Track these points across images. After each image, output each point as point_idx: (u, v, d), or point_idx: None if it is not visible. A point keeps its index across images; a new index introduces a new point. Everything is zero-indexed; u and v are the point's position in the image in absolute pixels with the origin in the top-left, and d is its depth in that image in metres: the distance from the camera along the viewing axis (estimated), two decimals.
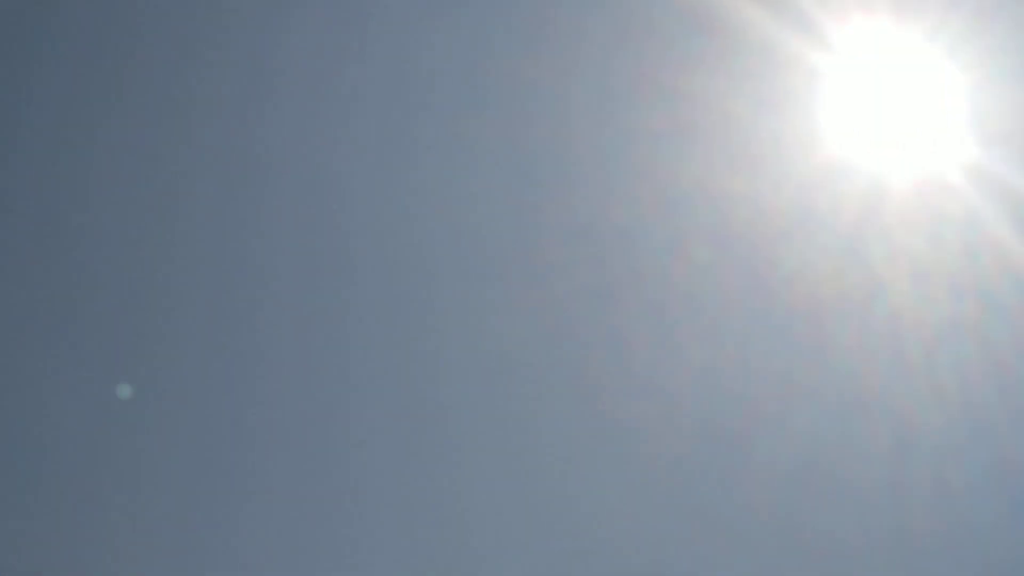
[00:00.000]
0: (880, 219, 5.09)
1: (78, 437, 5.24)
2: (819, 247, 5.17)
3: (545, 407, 5.38)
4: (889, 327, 5.09)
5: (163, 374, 5.29)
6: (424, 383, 5.24)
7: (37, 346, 5.29)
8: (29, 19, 5.43)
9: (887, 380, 5.07)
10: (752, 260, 5.23)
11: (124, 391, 5.26)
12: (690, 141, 5.30)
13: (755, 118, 5.23)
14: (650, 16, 5.35)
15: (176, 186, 5.42)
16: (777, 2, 5.15)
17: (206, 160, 5.42)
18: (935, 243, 5.04)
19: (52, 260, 5.36)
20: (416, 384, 5.23)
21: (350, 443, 5.22)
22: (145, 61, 5.46)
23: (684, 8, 5.29)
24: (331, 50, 5.44)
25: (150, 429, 5.24)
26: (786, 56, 5.18)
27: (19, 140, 5.41)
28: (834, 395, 5.11)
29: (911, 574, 4.91)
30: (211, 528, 5.17)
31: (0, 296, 5.30)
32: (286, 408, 5.26)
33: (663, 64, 5.32)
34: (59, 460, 5.21)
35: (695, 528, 5.15)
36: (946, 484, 4.99)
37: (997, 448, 4.93)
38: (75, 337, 5.30)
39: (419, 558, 5.04)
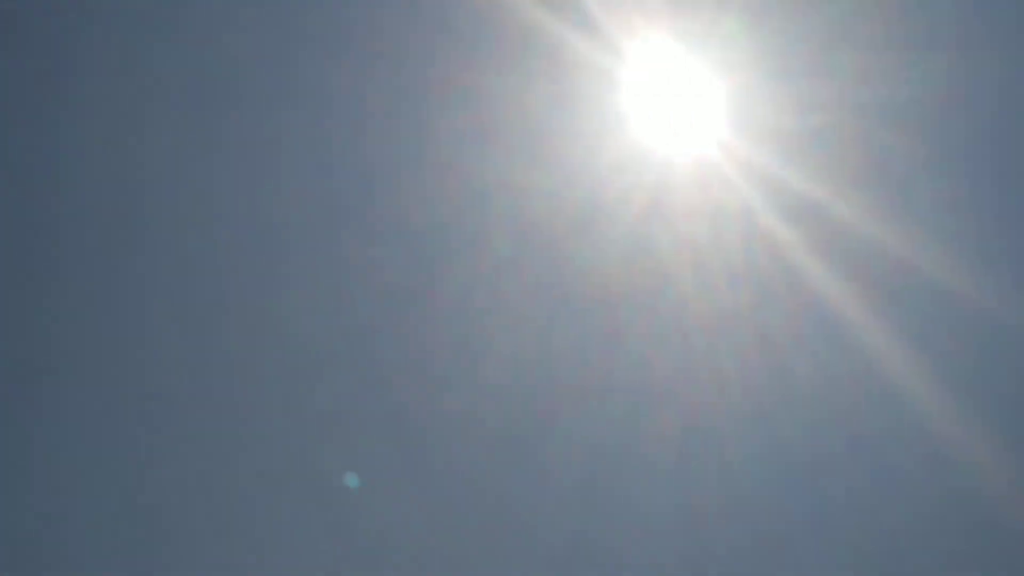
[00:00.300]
0: (663, 213, 5.36)
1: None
2: (610, 240, 5.39)
3: (347, 405, 5.46)
4: (675, 316, 5.36)
5: None
6: (214, 381, 5.26)
7: None
8: None
9: (675, 366, 5.34)
10: (549, 253, 5.43)
11: None
12: (485, 139, 5.46)
13: (545, 117, 5.43)
14: (443, 17, 5.49)
15: None
16: (563, 6, 5.36)
17: None
18: (714, 235, 5.33)
19: None
20: (201, 383, 5.24)
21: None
22: None
23: (476, 11, 5.45)
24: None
25: None
26: (573, 57, 5.39)
27: None
28: (627, 382, 5.35)
29: (698, 546, 5.18)
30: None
31: None
32: None
33: (456, 64, 5.47)
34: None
35: (497, 526, 5.32)
36: (727, 463, 5.29)
37: (772, 429, 5.25)
38: None
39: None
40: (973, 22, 5.14)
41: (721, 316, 5.33)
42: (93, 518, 5.20)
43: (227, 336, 5.47)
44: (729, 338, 5.33)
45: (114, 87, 5.56)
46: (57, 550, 5.16)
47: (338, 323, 5.50)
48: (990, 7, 5.12)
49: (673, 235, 5.35)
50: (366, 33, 5.54)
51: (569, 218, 5.40)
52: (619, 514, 5.33)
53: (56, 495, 5.22)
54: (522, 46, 5.41)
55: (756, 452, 5.26)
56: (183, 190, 5.55)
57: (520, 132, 5.44)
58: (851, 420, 5.23)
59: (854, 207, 5.24)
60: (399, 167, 5.52)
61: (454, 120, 5.46)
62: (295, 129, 5.55)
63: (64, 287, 5.48)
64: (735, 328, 5.33)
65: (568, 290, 5.40)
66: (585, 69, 5.39)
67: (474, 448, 5.40)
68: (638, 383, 5.36)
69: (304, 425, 5.37)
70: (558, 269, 5.40)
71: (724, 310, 5.33)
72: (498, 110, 5.44)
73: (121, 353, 5.42)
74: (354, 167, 5.56)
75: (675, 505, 5.29)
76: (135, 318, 5.46)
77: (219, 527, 5.25)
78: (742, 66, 5.31)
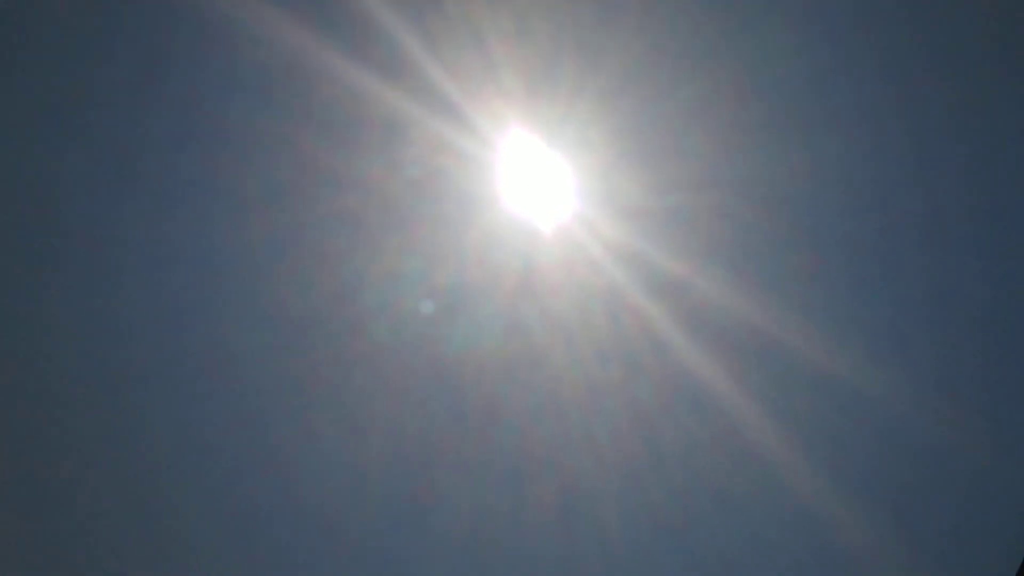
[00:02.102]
0: (532, 292, 5.52)
1: None
2: (482, 319, 5.56)
3: (238, 484, 5.66)
4: (549, 389, 5.57)
5: None
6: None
7: None
8: None
9: (551, 436, 5.59)
10: (424, 336, 5.59)
11: None
12: (357, 225, 5.55)
13: (412, 202, 5.52)
14: (311, 105, 5.51)
15: None
16: (427, 93, 5.40)
17: None
18: (583, 312, 5.51)
19: None
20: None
21: None
22: None
23: (345, 99, 5.47)
24: None
25: None
26: (438, 142, 5.46)
27: None
28: (505, 459, 5.59)
29: None
30: None
31: None
32: None
33: (325, 151, 5.51)
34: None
35: None
36: (604, 524, 5.60)
37: (644, 491, 5.54)
38: None
39: None
40: (821, 101, 5.27)
41: (593, 388, 5.55)
42: None
43: (99, 425, 5.60)
44: (601, 408, 5.56)
45: None
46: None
47: (222, 408, 5.65)
48: (837, 88, 5.24)
49: (543, 313, 5.53)
50: (240, 120, 5.54)
51: (441, 299, 5.54)
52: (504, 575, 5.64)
53: None
54: (388, 133, 5.46)
55: (630, 513, 5.56)
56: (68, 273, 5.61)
57: (389, 217, 5.53)
58: (717, 481, 5.53)
59: (715, 281, 5.43)
60: (275, 254, 5.61)
61: (326, 207, 5.53)
62: (172, 218, 5.60)
63: None
64: (606, 399, 5.56)
65: (443, 372, 5.58)
66: (449, 153, 5.46)
67: (364, 521, 5.65)
68: (517, 453, 5.60)
69: (188, 512, 5.57)
70: (433, 351, 5.57)
71: (595, 382, 5.55)
72: (367, 196, 5.51)
73: None
74: (233, 254, 5.63)
75: (556, 565, 5.60)
76: None
77: None
78: (602, 147, 5.42)
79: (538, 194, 5.51)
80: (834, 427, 5.42)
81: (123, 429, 5.68)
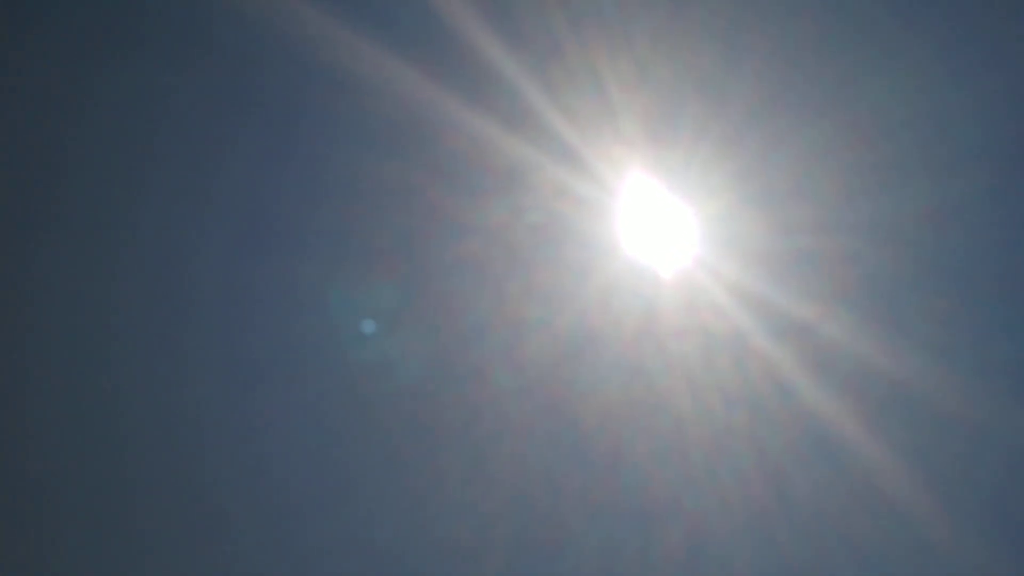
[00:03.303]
0: (655, 337, 5.52)
1: None
2: (606, 364, 5.58)
3: (359, 534, 5.75)
4: (673, 435, 5.55)
5: None
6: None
7: None
8: None
9: (676, 484, 5.56)
10: (547, 380, 5.63)
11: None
12: (481, 271, 5.64)
13: (535, 249, 5.58)
14: (434, 156, 5.62)
15: None
16: (547, 140, 5.47)
17: None
18: (706, 357, 5.49)
19: None
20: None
21: None
22: None
23: (465, 148, 5.56)
24: None
25: None
26: (559, 188, 5.51)
27: None
28: (631, 503, 5.58)
29: None
30: None
31: None
32: None
33: (449, 201, 5.61)
34: None
35: None
36: (731, 571, 5.54)
37: (774, 543, 5.47)
38: None
39: None
40: (947, 143, 5.18)
41: (717, 432, 5.52)
42: None
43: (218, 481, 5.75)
44: (726, 452, 5.52)
45: None
46: None
47: (353, 455, 5.77)
48: (963, 129, 5.16)
49: (666, 357, 5.52)
50: (368, 172, 5.67)
51: (564, 345, 5.58)
52: None
53: None
54: (509, 181, 5.54)
55: (759, 566, 5.49)
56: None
57: (512, 265, 5.59)
58: (845, 527, 5.44)
59: (842, 324, 5.36)
60: (403, 301, 5.72)
61: (449, 255, 5.63)
62: (303, 270, 5.75)
63: None
64: (732, 443, 5.52)
65: (568, 416, 5.61)
66: (570, 200, 5.51)
67: (492, 565, 5.68)
68: (642, 502, 5.59)
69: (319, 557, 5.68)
70: (557, 395, 5.61)
71: (720, 426, 5.51)
72: (490, 244, 5.59)
73: None
74: (362, 303, 5.75)
75: None
76: None
77: None
78: (724, 191, 5.41)
79: (660, 239, 5.53)
80: (967, 471, 5.29)
81: (249, 476, 5.81)
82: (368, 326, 5.73)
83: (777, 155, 5.30)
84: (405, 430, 5.72)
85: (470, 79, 5.48)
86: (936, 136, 5.17)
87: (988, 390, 5.27)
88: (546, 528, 5.67)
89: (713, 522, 5.56)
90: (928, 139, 5.17)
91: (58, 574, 5.53)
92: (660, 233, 5.52)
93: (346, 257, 5.72)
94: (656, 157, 5.42)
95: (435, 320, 5.67)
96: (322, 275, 5.74)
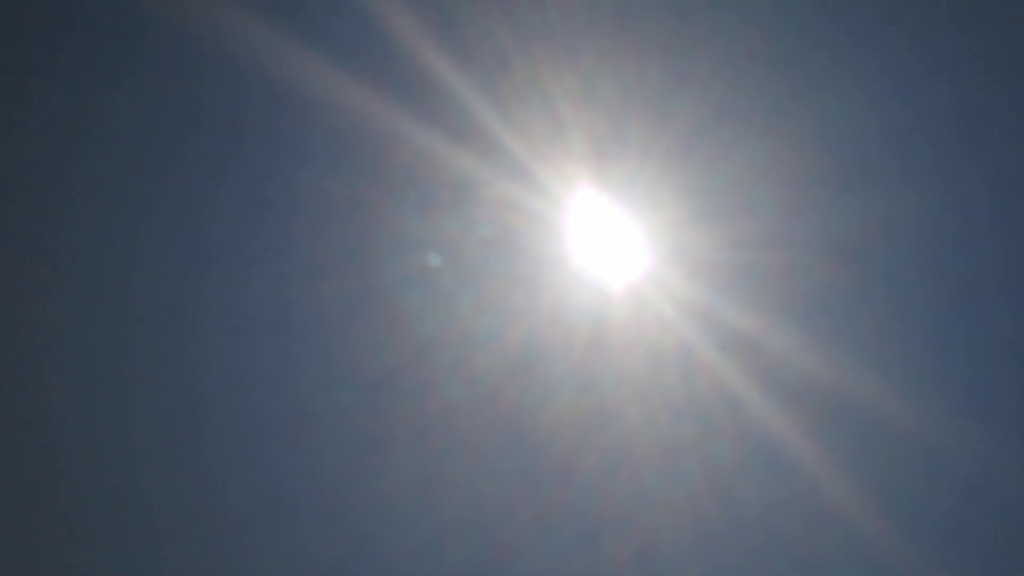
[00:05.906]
0: (605, 350, 5.53)
1: None
2: (555, 378, 5.58)
3: (311, 546, 5.72)
4: (623, 448, 5.57)
5: None
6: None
7: None
8: None
9: (625, 498, 5.57)
10: (498, 395, 5.62)
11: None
12: (430, 287, 5.63)
13: (484, 263, 5.58)
14: (383, 172, 5.61)
15: None
16: (497, 156, 5.47)
17: None
18: (655, 370, 5.50)
19: None
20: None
21: None
22: None
23: (413, 164, 5.56)
24: None
25: None
26: (508, 203, 5.52)
27: None
28: (580, 518, 5.59)
29: None
30: None
31: None
32: None
33: (396, 215, 5.60)
34: None
35: None
36: None
37: (721, 552, 5.50)
38: None
39: None
40: (893, 156, 5.24)
41: (666, 445, 5.54)
42: None
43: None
44: (675, 466, 5.54)
45: None
46: None
47: (297, 468, 5.73)
48: (909, 142, 5.22)
49: (615, 370, 5.53)
50: (313, 186, 5.65)
51: (514, 359, 5.58)
52: None
53: None
54: (458, 195, 5.54)
55: (705, 573, 5.52)
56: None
57: (461, 276, 5.59)
58: (793, 541, 5.47)
59: (788, 337, 5.40)
60: (349, 315, 5.69)
61: (399, 269, 5.61)
62: (247, 283, 5.72)
63: None
64: (680, 456, 5.54)
65: (518, 429, 5.61)
66: (519, 214, 5.52)
67: None
68: (591, 513, 5.59)
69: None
70: (507, 409, 5.60)
71: (669, 439, 5.53)
72: (439, 256, 5.59)
73: None
74: (307, 316, 5.73)
75: None
76: None
77: None
78: (672, 205, 5.44)
79: (609, 253, 5.54)
80: (912, 485, 5.34)
81: (197, 488, 5.76)
82: (317, 340, 5.71)
83: (723, 169, 5.34)
84: (354, 444, 5.69)
85: (419, 94, 5.48)
86: (880, 150, 5.23)
87: (932, 403, 5.32)
88: (496, 542, 5.66)
89: (662, 537, 5.58)
90: (873, 153, 5.23)
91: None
92: (609, 247, 5.54)
93: (293, 273, 5.68)
94: (604, 171, 5.44)
95: (383, 334, 5.65)
96: (268, 291, 5.71)
